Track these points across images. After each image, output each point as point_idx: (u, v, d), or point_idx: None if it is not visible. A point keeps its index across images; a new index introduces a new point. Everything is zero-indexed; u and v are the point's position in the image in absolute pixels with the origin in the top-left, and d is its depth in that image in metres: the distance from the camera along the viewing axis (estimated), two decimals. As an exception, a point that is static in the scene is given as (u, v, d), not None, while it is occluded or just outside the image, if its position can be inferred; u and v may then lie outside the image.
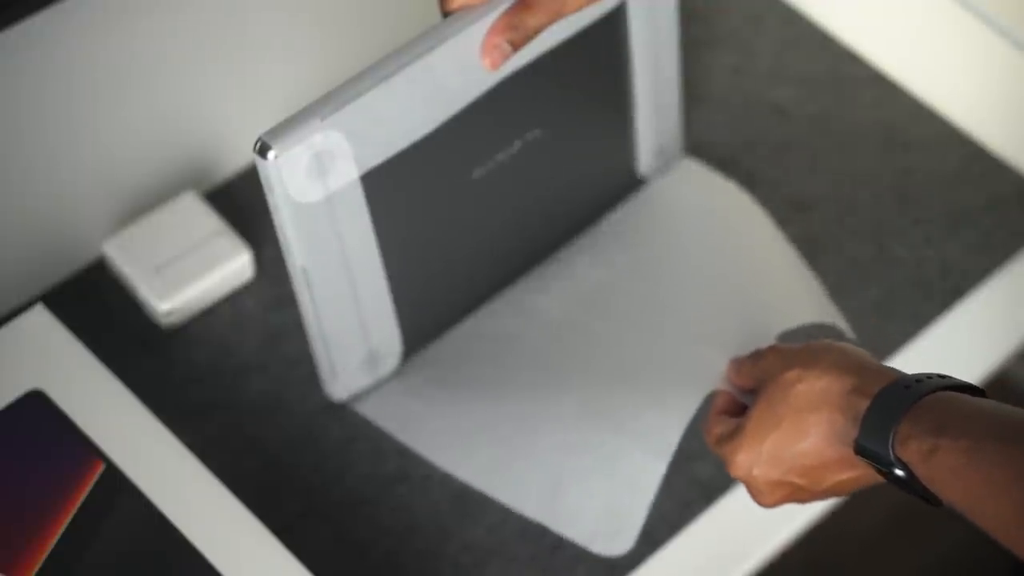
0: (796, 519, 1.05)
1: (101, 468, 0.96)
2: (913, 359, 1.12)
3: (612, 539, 1.02)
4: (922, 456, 0.79)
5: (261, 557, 0.94)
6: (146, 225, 1.12)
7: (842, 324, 1.09)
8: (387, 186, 0.98)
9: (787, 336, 1.07)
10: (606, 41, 1.06)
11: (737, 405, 0.96)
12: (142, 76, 1.09)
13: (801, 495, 0.90)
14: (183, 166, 1.16)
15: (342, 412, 1.07)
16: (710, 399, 0.99)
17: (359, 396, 1.08)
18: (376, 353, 1.06)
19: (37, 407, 0.98)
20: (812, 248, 1.16)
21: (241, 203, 1.17)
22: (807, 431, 0.87)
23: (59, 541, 0.94)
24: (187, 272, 1.10)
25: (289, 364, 1.10)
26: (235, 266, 1.12)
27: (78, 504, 0.95)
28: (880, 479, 0.85)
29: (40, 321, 1.03)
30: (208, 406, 1.08)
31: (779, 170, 1.20)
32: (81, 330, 1.05)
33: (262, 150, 0.91)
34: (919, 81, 1.25)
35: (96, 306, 1.12)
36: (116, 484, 0.96)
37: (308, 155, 0.93)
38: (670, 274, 1.13)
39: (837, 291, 1.14)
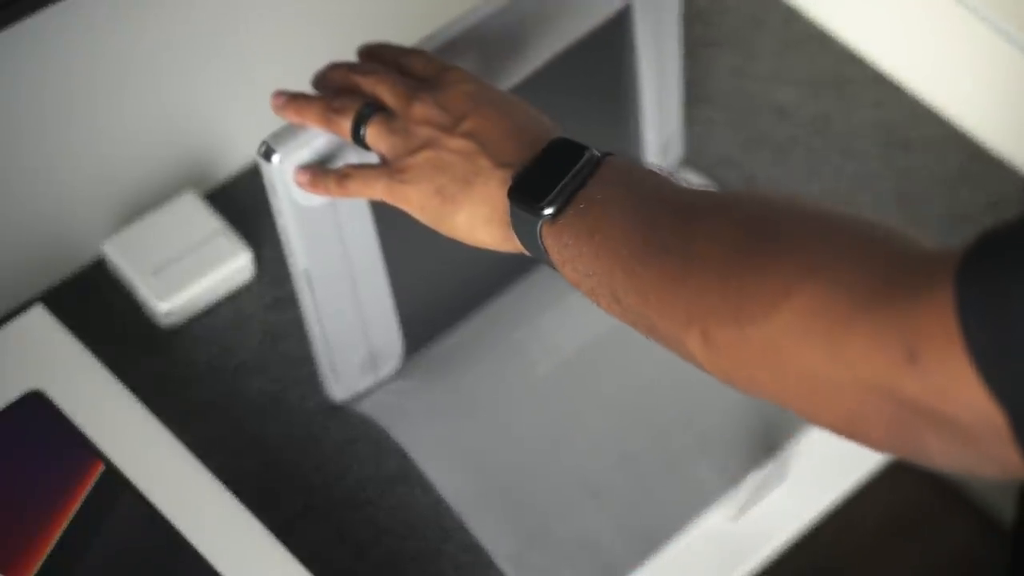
0: (796, 521, 1.05)
1: (101, 468, 0.96)
2: (913, 360, 1.11)
3: None
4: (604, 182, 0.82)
5: (261, 557, 0.94)
6: (146, 225, 1.12)
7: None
8: (388, 187, 0.98)
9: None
10: (612, 43, 1.06)
11: None
12: (142, 76, 1.08)
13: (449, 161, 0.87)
14: (183, 166, 1.16)
15: (342, 412, 1.07)
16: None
17: (359, 396, 1.08)
18: (377, 354, 1.06)
19: (37, 407, 0.98)
20: (812, 249, 1.16)
21: (241, 203, 1.17)
22: (512, 107, 0.87)
23: (59, 541, 0.94)
24: (187, 272, 1.10)
25: (289, 364, 1.10)
26: (235, 266, 1.11)
27: (78, 504, 0.95)
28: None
29: (39, 321, 1.03)
30: (208, 406, 1.08)
31: (779, 170, 1.20)
32: (80, 330, 1.05)
33: (266, 153, 0.91)
34: (919, 82, 1.25)
35: (96, 306, 1.12)
36: (116, 484, 0.96)
37: (311, 158, 0.93)
38: None
39: (837, 292, 1.14)
